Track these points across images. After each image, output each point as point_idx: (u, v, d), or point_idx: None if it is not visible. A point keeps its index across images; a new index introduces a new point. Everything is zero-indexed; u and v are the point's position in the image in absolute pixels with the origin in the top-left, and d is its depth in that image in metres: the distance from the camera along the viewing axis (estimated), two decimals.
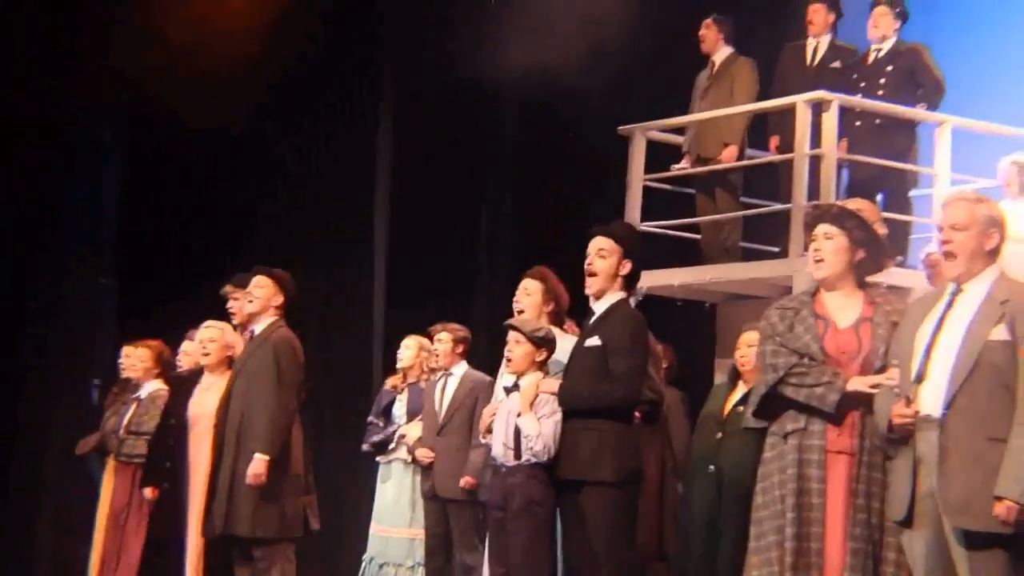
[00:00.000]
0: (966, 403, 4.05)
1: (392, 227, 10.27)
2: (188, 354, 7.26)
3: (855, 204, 4.73)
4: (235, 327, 6.89)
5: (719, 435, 6.38)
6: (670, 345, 7.30)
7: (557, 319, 5.72)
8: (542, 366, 5.39)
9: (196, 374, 6.92)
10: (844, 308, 4.53)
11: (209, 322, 6.84)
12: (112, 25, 9.52)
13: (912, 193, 8.30)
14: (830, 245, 4.54)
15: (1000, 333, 4.07)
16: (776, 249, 8.45)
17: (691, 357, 8.19)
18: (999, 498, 3.96)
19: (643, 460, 5.37)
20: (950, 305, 4.21)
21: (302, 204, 9.81)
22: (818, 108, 7.91)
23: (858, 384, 4.35)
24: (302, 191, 9.87)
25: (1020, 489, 3.94)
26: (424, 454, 7.12)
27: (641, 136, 8.77)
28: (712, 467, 6.32)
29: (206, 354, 6.75)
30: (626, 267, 5.19)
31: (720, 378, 7.36)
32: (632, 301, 5.44)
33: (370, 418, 7.65)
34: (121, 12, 9.52)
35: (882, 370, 4.37)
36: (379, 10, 10.26)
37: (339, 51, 9.95)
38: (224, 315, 6.93)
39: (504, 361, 5.54)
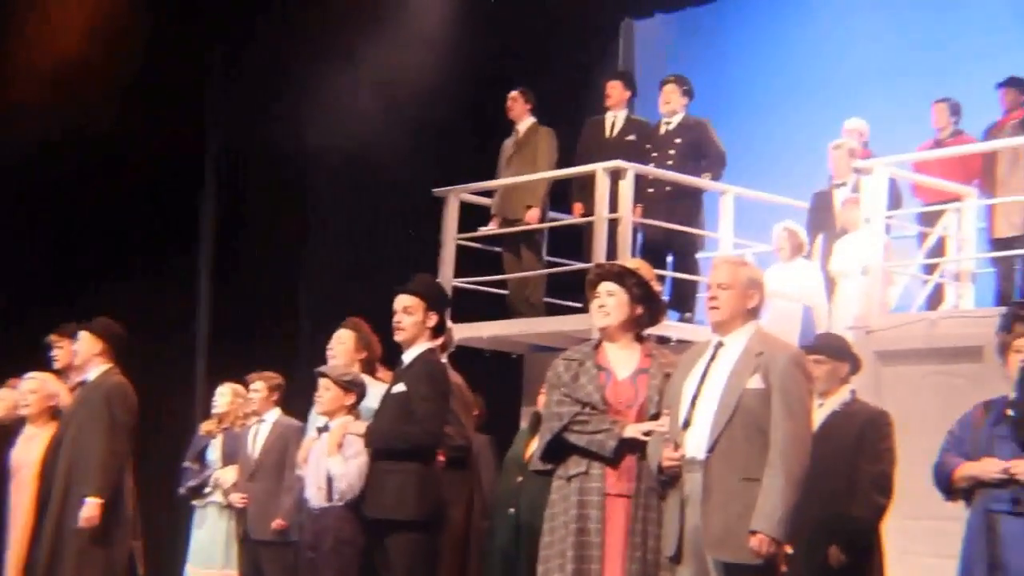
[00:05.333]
0: (726, 446, 4.19)
1: (215, 279, 10.14)
2: (2, 400, 7.07)
3: (634, 264, 4.86)
4: (58, 374, 6.78)
5: (519, 479, 6.44)
6: (480, 393, 7.39)
7: (369, 367, 5.83)
8: (351, 410, 5.45)
9: (18, 423, 6.72)
10: (623, 360, 4.62)
11: (31, 373, 6.70)
12: None
13: (699, 255, 8.62)
14: (612, 301, 4.64)
15: (756, 382, 4.23)
16: (579, 304, 8.67)
17: (500, 405, 8.29)
18: (753, 532, 4.10)
19: (448, 502, 5.42)
20: (713, 357, 4.36)
21: (125, 252, 9.59)
22: (616, 176, 8.18)
23: (633, 431, 4.44)
24: (125, 241, 9.66)
25: (770, 523, 4.08)
26: (238, 497, 7.04)
27: (454, 198, 8.92)
28: (512, 509, 6.38)
29: (27, 405, 6.60)
30: (432, 319, 5.28)
31: (524, 425, 7.47)
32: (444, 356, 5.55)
33: (185, 463, 7.55)
34: None
35: (656, 417, 4.46)
36: (200, 85, 10.18)
37: (164, 119, 9.80)
38: (45, 362, 6.82)
39: (315, 405, 5.58)
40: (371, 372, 5.79)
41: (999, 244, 7.97)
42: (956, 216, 8.02)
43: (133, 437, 6.27)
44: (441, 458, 5.39)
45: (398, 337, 5.28)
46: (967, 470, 4.54)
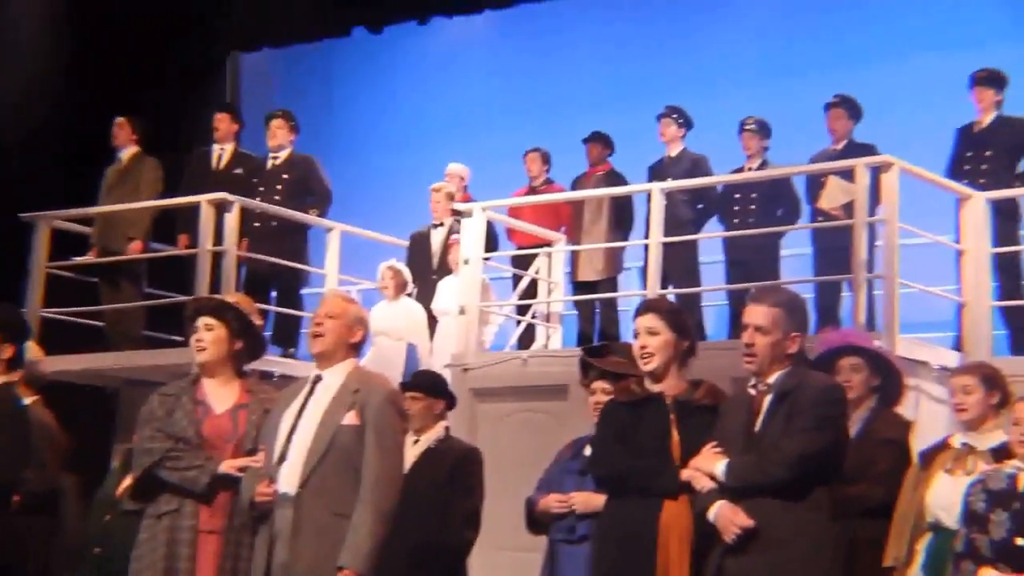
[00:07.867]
0: (318, 482, 4.17)
1: None
2: None
3: (233, 297, 4.77)
4: None
5: (108, 517, 6.16)
6: (70, 430, 6.97)
7: None
8: None
9: None
10: (222, 394, 4.53)
11: None
12: None
13: (303, 291, 8.61)
14: (209, 335, 4.54)
15: (351, 418, 4.23)
16: (181, 338, 8.39)
17: (91, 441, 7.86)
18: (340, 568, 4.08)
19: (24, 550, 5.13)
20: (311, 392, 4.33)
21: None
22: (221, 208, 8.02)
23: (227, 467, 4.36)
24: None
25: (358, 559, 4.09)
26: None
27: (45, 225, 8.44)
28: (98, 549, 6.08)
29: None
30: (6, 351, 5.00)
31: (116, 462, 7.13)
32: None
33: None
34: None
35: (252, 453, 4.39)
36: None
37: None
38: None
39: None
40: None
41: (582, 288, 8.49)
42: (546, 260, 8.47)
43: None
44: (16, 500, 5.04)
45: None
46: (540, 505, 4.78)
